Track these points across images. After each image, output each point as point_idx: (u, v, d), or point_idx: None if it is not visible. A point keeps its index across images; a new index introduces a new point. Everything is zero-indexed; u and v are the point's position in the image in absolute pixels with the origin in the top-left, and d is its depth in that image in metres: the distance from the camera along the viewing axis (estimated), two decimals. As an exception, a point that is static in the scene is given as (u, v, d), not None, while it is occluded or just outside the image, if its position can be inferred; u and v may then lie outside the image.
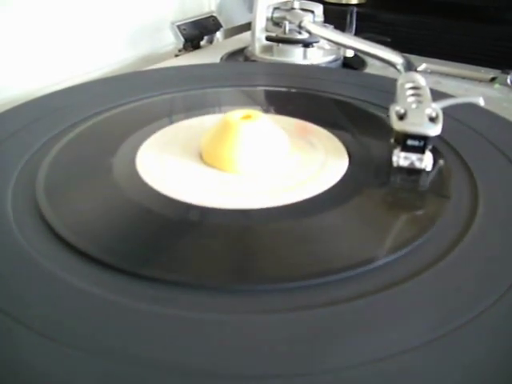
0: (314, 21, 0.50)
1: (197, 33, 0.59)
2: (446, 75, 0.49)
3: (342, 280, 0.20)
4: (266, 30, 0.52)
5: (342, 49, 0.50)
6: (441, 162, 0.29)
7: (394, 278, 0.20)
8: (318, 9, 0.51)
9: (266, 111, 0.37)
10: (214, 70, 0.45)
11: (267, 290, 0.20)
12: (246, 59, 0.53)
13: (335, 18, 0.53)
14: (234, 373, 0.16)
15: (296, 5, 0.51)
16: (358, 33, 0.50)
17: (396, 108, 0.28)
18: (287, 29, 0.51)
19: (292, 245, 0.23)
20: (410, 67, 0.36)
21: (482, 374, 0.16)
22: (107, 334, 0.18)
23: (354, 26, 0.51)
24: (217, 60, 0.54)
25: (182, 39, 0.57)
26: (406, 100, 0.29)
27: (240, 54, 0.55)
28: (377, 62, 0.47)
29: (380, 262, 0.21)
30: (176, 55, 0.58)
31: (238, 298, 0.20)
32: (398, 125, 0.27)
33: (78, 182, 0.28)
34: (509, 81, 0.46)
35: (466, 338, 0.18)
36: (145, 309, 0.19)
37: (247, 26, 0.61)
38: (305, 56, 0.51)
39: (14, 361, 0.17)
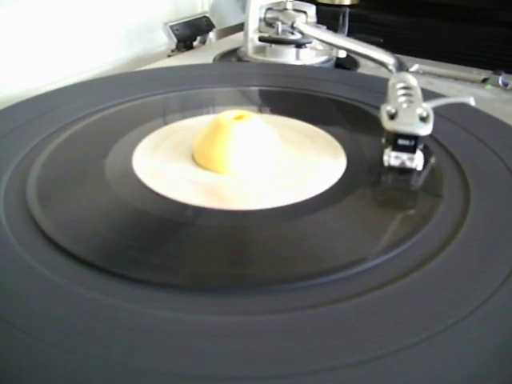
0: (306, 21, 0.50)
1: (189, 33, 0.59)
2: (439, 76, 0.49)
3: (337, 280, 0.20)
4: (259, 31, 0.52)
5: (335, 49, 0.50)
6: (432, 161, 0.29)
7: (390, 277, 0.20)
8: (311, 9, 0.52)
9: (259, 111, 0.37)
10: (206, 71, 0.45)
11: (263, 292, 0.20)
12: (239, 60, 0.53)
13: (328, 18, 0.53)
14: (233, 375, 0.16)
15: (289, 5, 0.51)
16: (351, 33, 0.50)
17: (387, 108, 0.28)
18: (280, 29, 0.51)
19: (285, 246, 0.23)
20: (401, 67, 0.36)
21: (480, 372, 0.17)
22: (105, 335, 0.18)
23: (347, 26, 0.52)
24: (209, 60, 0.54)
25: (175, 40, 0.57)
26: (397, 100, 0.29)
27: (233, 55, 0.55)
28: (369, 63, 0.47)
29: (375, 262, 0.21)
30: (169, 56, 0.58)
31: (235, 300, 0.20)
32: (388, 124, 0.27)
33: (70, 183, 0.27)
34: (500, 82, 0.47)
35: (460, 335, 0.18)
36: (143, 311, 0.19)
37: (240, 27, 0.61)
38: (297, 56, 0.51)
39: (11, 363, 0.17)
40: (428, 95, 0.30)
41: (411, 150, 0.27)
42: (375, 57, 0.41)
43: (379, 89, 0.35)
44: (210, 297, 0.20)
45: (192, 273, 0.21)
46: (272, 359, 0.17)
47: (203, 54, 0.56)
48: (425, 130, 0.27)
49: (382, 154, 0.28)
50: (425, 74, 0.50)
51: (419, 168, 0.28)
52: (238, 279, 0.21)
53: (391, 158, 0.28)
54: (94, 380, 0.16)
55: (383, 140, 0.28)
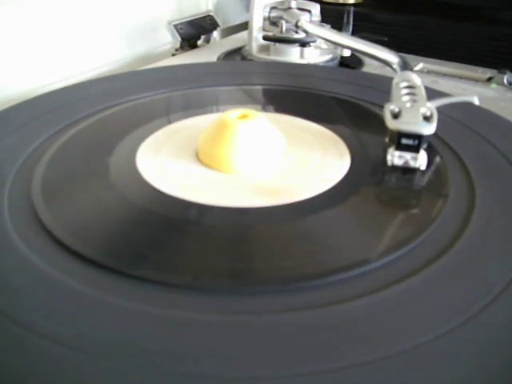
0: (310, 20, 0.50)
1: (194, 32, 0.59)
2: (443, 75, 0.49)
3: (342, 280, 0.20)
4: (263, 30, 0.52)
5: (339, 48, 0.50)
6: (436, 160, 0.29)
7: (393, 277, 0.20)
8: (315, 8, 0.51)
9: (263, 110, 0.37)
10: (210, 70, 0.45)
11: (265, 292, 0.20)
12: (243, 58, 0.53)
13: (332, 17, 0.53)
14: (234, 375, 0.16)
15: (293, 4, 0.51)
16: (355, 32, 0.50)
17: (391, 107, 0.28)
18: (284, 28, 0.51)
19: (289, 245, 0.23)
20: (405, 66, 0.36)
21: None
22: (106, 335, 0.18)
23: (351, 25, 0.52)
24: (214, 59, 0.54)
25: (179, 38, 0.57)
26: (400, 99, 0.29)
27: (237, 54, 0.55)
28: (374, 62, 0.47)
29: (379, 262, 0.21)
30: (173, 54, 0.58)
31: (235, 299, 0.20)
32: (392, 124, 0.27)
33: (75, 181, 0.28)
34: (505, 80, 0.46)
35: (467, 335, 0.18)
36: (146, 311, 0.19)
37: (244, 26, 0.61)
38: (302, 55, 0.51)
39: (11, 362, 0.17)
40: (432, 94, 0.30)
41: (415, 149, 0.27)
42: (379, 56, 0.41)
43: (383, 88, 0.35)
44: (211, 296, 0.20)
45: (194, 271, 0.21)
46: (272, 359, 0.17)
47: (207, 53, 0.56)
48: (428, 129, 0.27)
49: (385, 153, 0.28)
50: (429, 72, 0.50)
51: (423, 167, 0.28)
52: (239, 279, 0.21)
53: (395, 157, 0.28)
54: (94, 378, 0.16)
55: (387, 139, 0.28)
